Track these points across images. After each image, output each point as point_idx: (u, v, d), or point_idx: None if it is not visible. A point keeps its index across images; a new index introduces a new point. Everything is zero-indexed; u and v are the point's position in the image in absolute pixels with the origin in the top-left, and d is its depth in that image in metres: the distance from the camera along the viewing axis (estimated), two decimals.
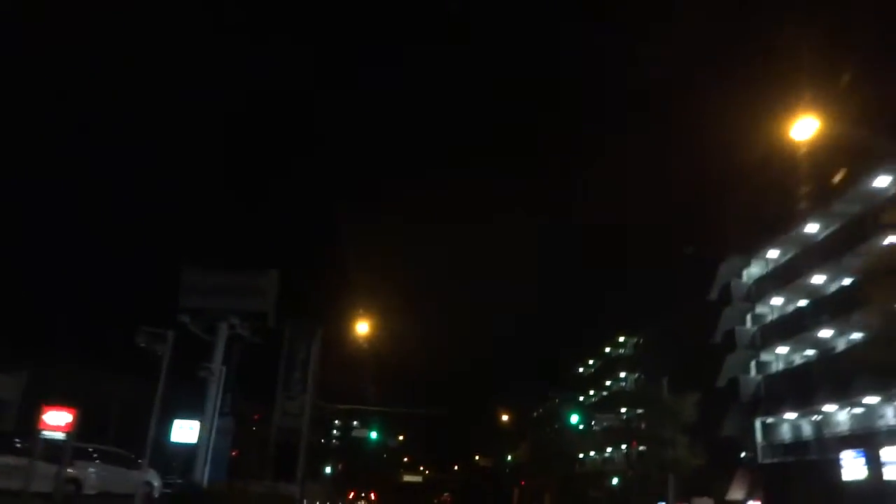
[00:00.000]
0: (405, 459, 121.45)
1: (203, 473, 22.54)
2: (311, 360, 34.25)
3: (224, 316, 23.67)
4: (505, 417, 70.30)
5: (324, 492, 44.75)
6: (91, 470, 20.25)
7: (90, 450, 20.93)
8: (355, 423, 57.27)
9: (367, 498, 46.35)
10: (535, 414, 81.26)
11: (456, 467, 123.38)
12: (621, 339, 53.96)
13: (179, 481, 24.97)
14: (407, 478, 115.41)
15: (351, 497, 46.65)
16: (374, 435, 50.46)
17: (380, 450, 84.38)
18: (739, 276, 38.66)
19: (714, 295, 39.61)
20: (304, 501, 34.30)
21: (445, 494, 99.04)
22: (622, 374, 52.93)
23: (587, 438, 53.53)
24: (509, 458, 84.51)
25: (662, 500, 44.17)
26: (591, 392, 60.94)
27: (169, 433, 25.04)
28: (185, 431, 25.18)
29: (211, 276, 24.94)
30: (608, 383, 56.33)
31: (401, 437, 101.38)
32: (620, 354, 54.58)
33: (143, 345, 19.14)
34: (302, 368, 35.04)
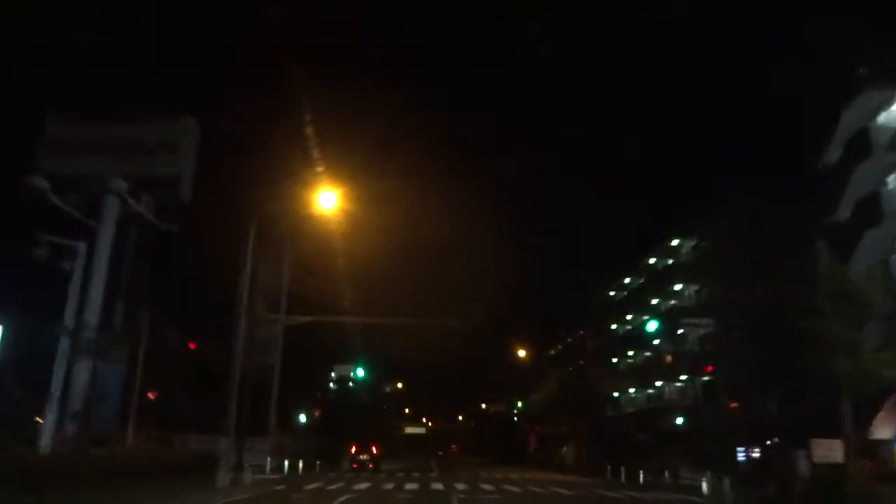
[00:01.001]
0: (406, 411, 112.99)
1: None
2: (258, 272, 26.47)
3: (109, 184, 15.80)
4: (522, 353, 59.92)
5: (295, 447, 34.08)
6: None
7: None
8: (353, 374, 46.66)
9: (368, 452, 37.13)
10: (552, 351, 71.24)
11: (461, 417, 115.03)
12: (674, 243, 42.35)
13: None
14: (409, 430, 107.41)
15: (353, 451, 37.63)
16: (360, 372, 39.36)
17: (375, 399, 74.49)
18: (874, 119, 26.82)
19: (834, 154, 27.80)
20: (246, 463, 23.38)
21: (453, 446, 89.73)
22: (676, 287, 41.42)
23: (637, 370, 42.85)
24: (520, 403, 74.99)
25: (740, 448, 33.56)
26: (629, 317, 49.85)
27: None
28: None
29: (90, 126, 16.38)
30: (655, 302, 45.02)
31: (399, 385, 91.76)
32: (670, 265, 43.13)
33: None
34: (264, 292, 28.42)
